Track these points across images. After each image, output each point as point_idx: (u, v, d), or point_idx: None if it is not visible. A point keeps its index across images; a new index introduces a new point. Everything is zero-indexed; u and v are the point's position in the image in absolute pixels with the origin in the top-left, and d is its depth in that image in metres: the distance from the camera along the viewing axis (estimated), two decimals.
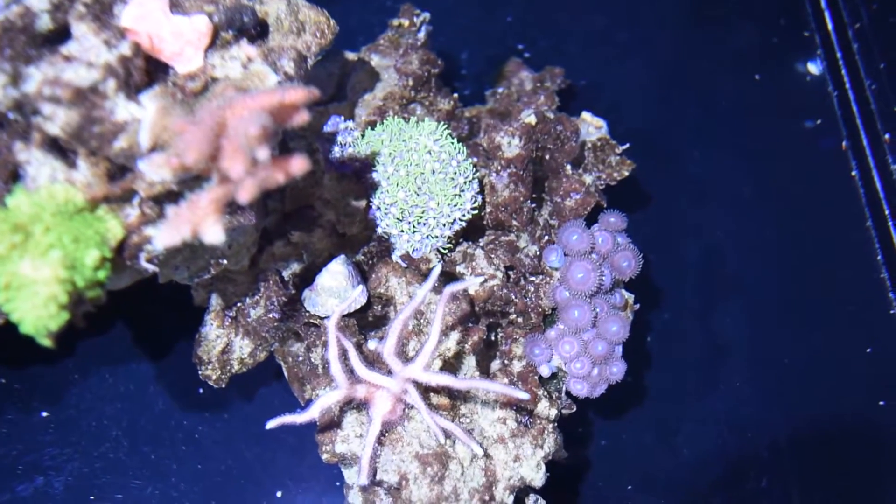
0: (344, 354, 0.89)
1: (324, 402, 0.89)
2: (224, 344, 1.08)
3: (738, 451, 1.25)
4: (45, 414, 1.27)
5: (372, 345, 0.95)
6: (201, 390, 1.28)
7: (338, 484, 1.12)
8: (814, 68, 1.48)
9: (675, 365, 1.29)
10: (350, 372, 0.90)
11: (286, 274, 1.05)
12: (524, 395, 0.85)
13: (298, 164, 0.69)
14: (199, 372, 1.10)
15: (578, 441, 1.24)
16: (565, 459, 1.10)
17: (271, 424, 0.91)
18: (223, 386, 1.11)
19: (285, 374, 1.11)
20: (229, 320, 1.08)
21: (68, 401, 1.28)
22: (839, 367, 1.28)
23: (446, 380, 0.86)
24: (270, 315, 1.04)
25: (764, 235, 1.37)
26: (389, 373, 0.90)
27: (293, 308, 1.04)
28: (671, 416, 1.27)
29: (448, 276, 0.98)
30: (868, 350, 1.28)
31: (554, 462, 1.05)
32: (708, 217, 1.38)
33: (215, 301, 1.08)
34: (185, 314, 1.13)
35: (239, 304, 1.07)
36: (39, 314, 0.71)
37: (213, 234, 0.69)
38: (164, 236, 0.70)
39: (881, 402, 1.25)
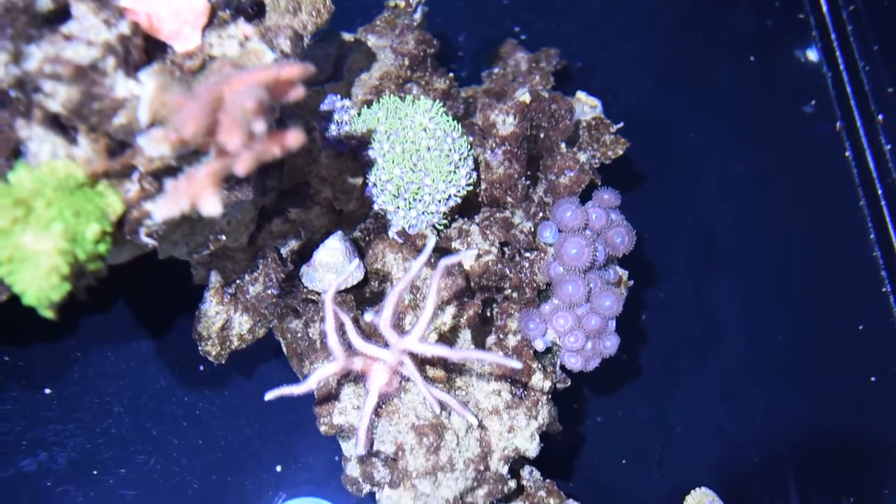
0: (341, 327, 0.91)
1: (321, 373, 0.90)
2: (223, 320, 1.09)
3: (731, 428, 1.26)
4: (47, 391, 1.28)
5: (368, 317, 0.96)
6: (202, 367, 1.30)
7: (336, 459, 1.13)
8: (809, 52, 1.49)
9: (670, 342, 1.31)
10: (347, 344, 0.91)
11: (284, 251, 1.06)
12: (517, 365, 0.86)
13: (294, 137, 0.71)
14: (199, 348, 1.12)
15: (573, 416, 1.25)
16: (560, 433, 1.11)
17: (269, 396, 0.93)
18: (223, 362, 1.12)
19: (284, 350, 1.12)
20: (228, 297, 1.09)
21: (70, 378, 1.29)
22: (832, 344, 1.30)
23: (441, 350, 0.88)
24: (269, 292, 1.05)
25: (758, 215, 1.38)
26: (386, 346, 0.92)
27: (291, 284, 1.06)
28: (665, 392, 1.29)
29: (443, 252, 1.00)
30: (860, 327, 1.30)
31: (548, 435, 1.07)
32: (702, 197, 1.39)
33: (214, 278, 1.10)
34: (185, 293, 1.15)
35: (238, 282, 1.08)
36: (41, 285, 0.72)
37: (211, 206, 0.71)
38: (163, 209, 0.71)
39: (873, 378, 1.27)
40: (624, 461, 1.24)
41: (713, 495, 1.15)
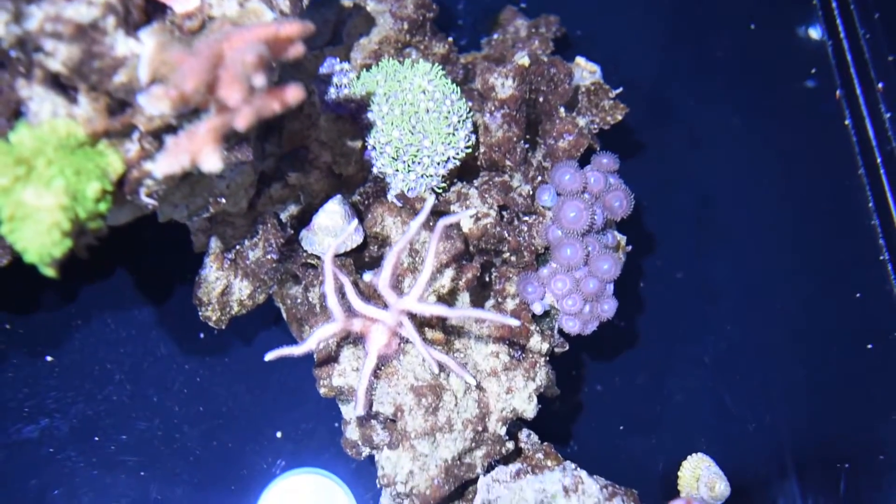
0: (340, 289, 0.91)
1: (320, 333, 0.91)
2: (223, 286, 1.10)
3: (728, 395, 1.27)
4: (49, 358, 1.29)
5: (367, 277, 0.97)
6: (202, 335, 1.30)
7: (336, 425, 1.14)
8: (810, 20, 1.49)
9: (668, 310, 1.32)
10: (346, 306, 0.92)
11: (284, 216, 1.06)
12: (515, 323, 0.87)
13: (294, 93, 0.71)
14: (200, 313, 1.12)
15: (571, 383, 1.26)
16: (557, 397, 1.12)
17: (270, 356, 0.93)
18: (223, 327, 1.13)
19: (284, 315, 1.13)
20: (228, 263, 1.10)
21: (72, 346, 1.30)
22: (829, 311, 1.30)
23: (440, 310, 0.88)
24: (269, 257, 1.06)
25: (757, 183, 1.38)
26: (385, 307, 0.92)
27: (291, 249, 1.06)
28: (663, 359, 1.29)
29: (442, 215, 1.00)
30: (857, 295, 1.31)
31: (546, 399, 1.08)
32: (701, 165, 1.39)
33: (214, 244, 1.10)
34: (186, 261, 1.15)
35: (238, 247, 1.09)
36: (43, 241, 0.73)
37: (211, 162, 0.71)
38: (164, 164, 0.72)
39: (869, 346, 1.28)
40: (621, 427, 1.25)
41: (709, 460, 1.16)
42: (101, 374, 1.29)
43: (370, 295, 0.96)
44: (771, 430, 1.25)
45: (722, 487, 1.11)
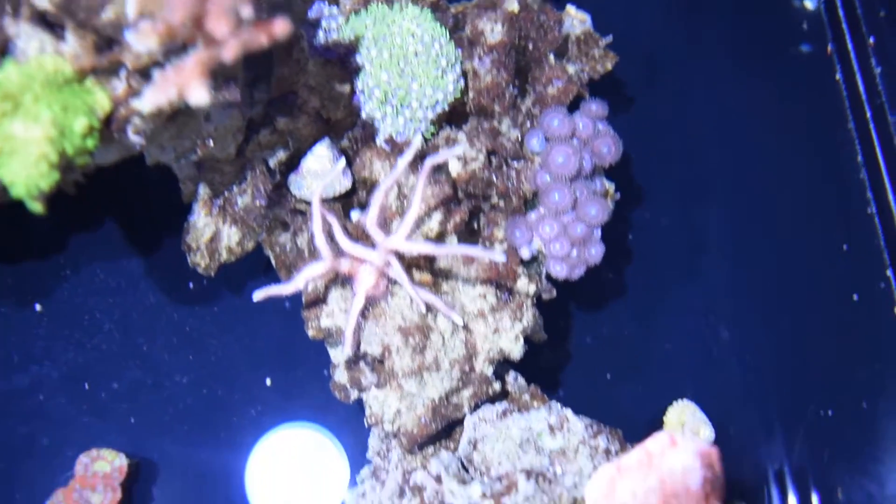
0: (328, 230, 0.92)
1: (308, 272, 0.91)
2: (212, 232, 1.10)
3: (715, 343, 1.28)
4: (38, 308, 1.29)
5: (355, 216, 0.97)
6: (191, 285, 1.31)
7: (325, 373, 1.15)
8: None
9: (656, 260, 1.32)
10: (334, 246, 0.92)
11: (272, 162, 1.06)
12: (500, 257, 0.87)
13: (281, 26, 0.71)
14: (188, 259, 1.12)
15: (559, 333, 1.27)
16: (545, 346, 1.13)
17: (258, 295, 0.94)
18: (212, 274, 1.13)
19: (273, 263, 1.13)
20: (217, 209, 1.10)
21: (61, 295, 1.30)
22: (816, 263, 1.31)
23: (427, 247, 0.89)
24: (257, 203, 1.06)
25: (746, 136, 1.38)
26: (373, 247, 0.93)
27: (279, 194, 1.06)
28: (651, 309, 1.30)
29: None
30: (845, 247, 1.31)
31: (533, 346, 1.09)
32: (691, 118, 1.39)
33: (203, 191, 1.10)
34: (175, 213, 1.15)
35: (226, 194, 1.09)
36: (30, 173, 0.73)
37: (199, 95, 0.71)
38: (151, 97, 0.72)
39: (855, 297, 1.29)
40: (609, 376, 1.26)
41: (694, 406, 1.17)
42: (90, 324, 1.29)
43: (358, 236, 0.96)
44: (757, 378, 1.26)
45: (706, 433, 1.12)
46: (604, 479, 0.80)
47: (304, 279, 0.92)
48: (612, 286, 1.30)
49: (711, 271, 1.32)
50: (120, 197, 1.33)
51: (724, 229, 1.33)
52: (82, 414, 1.25)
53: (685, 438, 0.79)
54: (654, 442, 0.80)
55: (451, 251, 0.90)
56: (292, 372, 1.26)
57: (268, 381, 1.26)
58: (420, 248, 0.89)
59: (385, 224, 0.95)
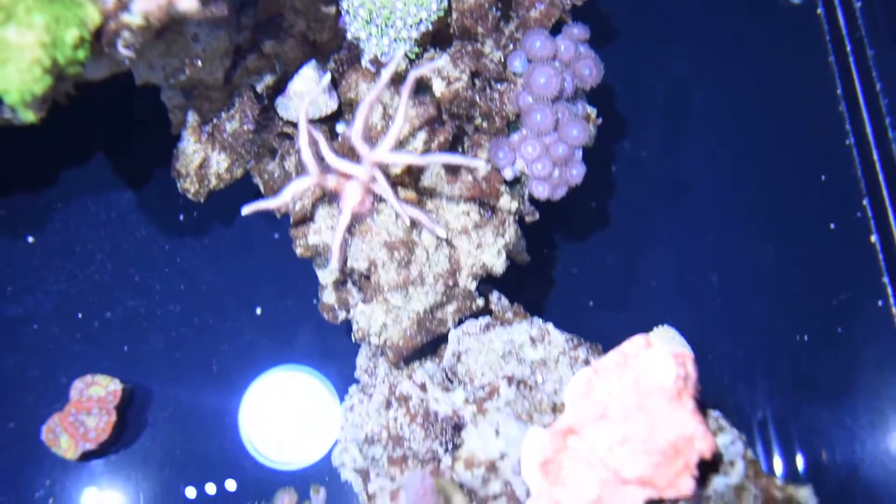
0: (315, 147, 0.93)
1: (295, 186, 0.93)
2: (201, 158, 1.12)
3: (695, 274, 1.31)
4: (30, 239, 1.31)
5: (340, 128, 0.99)
6: (182, 216, 1.33)
7: (315, 302, 1.17)
8: None
9: (638, 192, 1.34)
10: (321, 161, 0.94)
11: (259, 87, 1.08)
12: (480, 163, 0.89)
13: None
14: (178, 185, 1.14)
15: (542, 262, 1.30)
16: (529, 270, 1.16)
17: (247, 210, 0.96)
18: (201, 200, 1.15)
19: (262, 190, 1.15)
20: (206, 136, 1.12)
21: (53, 227, 1.32)
22: (795, 193, 1.33)
23: (410, 157, 0.91)
24: (245, 127, 1.08)
25: (728, 71, 1.40)
26: (358, 162, 0.94)
27: (267, 118, 1.08)
28: (633, 240, 1.32)
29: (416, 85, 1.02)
30: (823, 178, 1.34)
31: (517, 268, 1.11)
32: (675, 55, 1.40)
33: (192, 117, 1.12)
34: (164, 146, 1.16)
35: (215, 121, 1.10)
36: (24, 78, 0.74)
37: (187, 2, 0.73)
38: (142, 3, 0.73)
39: (832, 226, 1.31)
40: (591, 303, 1.28)
41: (674, 332, 1.19)
42: (82, 255, 1.31)
43: (344, 153, 0.98)
44: (737, 307, 1.29)
45: None
46: (582, 380, 0.83)
47: (292, 193, 0.93)
48: (595, 217, 1.33)
49: (693, 203, 1.34)
50: (110, 131, 1.35)
51: (704, 160, 1.36)
52: (76, 343, 1.27)
53: (660, 341, 0.82)
54: (630, 344, 0.83)
55: (433, 159, 0.91)
56: (281, 300, 1.29)
57: (258, 310, 1.29)
58: (404, 158, 0.91)
59: (370, 141, 0.96)
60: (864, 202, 1.32)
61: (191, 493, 1.22)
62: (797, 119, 1.37)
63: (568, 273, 1.30)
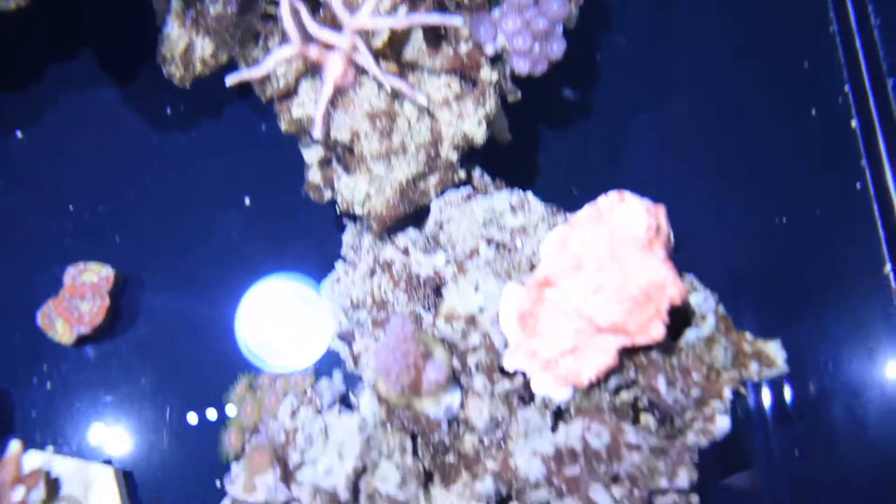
0: (297, 15, 0.94)
1: (277, 55, 0.94)
2: (186, 43, 1.13)
3: (678, 166, 1.32)
4: (19, 135, 1.33)
5: None
6: (169, 110, 1.34)
7: (303, 194, 1.19)
8: None
9: (622, 85, 1.34)
10: (303, 30, 0.94)
11: None
12: (457, 20, 0.90)
13: None
14: (164, 70, 1.15)
15: (526, 147, 1.31)
16: (511, 159, 1.17)
17: (230, 79, 0.97)
18: (187, 86, 1.16)
19: None
20: (190, 21, 1.12)
21: (41, 123, 1.34)
22: (777, 81, 1.34)
23: (390, 20, 0.91)
24: (229, 10, 1.08)
25: None
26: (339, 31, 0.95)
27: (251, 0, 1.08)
28: (616, 131, 1.33)
29: None
30: (805, 64, 1.34)
31: (500, 155, 1.13)
32: None
33: (175, 2, 1.13)
34: (148, 41, 1.17)
35: (198, 6, 1.11)
36: None
37: None
38: None
39: (813, 112, 1.33)
40: (574, 191, 1.30)
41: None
42: (71, 150, 1.33)
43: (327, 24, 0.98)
44: (718, 191, 1.31)
45: None
46: (558, 233, 0.86)
47: (274, 61, 0.95)
48: (578, 106, 1.33)
49: (676, 93, 1.35)
50: (94, 28, 1.36)
51: (688, 49, 1.36)
52: (68, 234, 1.30)
53: (633, 195, 0.84)
54: (605, 199, 0.85)
55: (412, 20, 0.91)
56: (269, 191, 1.31)
57: (247, 201, 1.31)
58: (384, 22, 0.92)
59: (351, 9, 0.97)
60: (846, 88, 1.33)
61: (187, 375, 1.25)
62: (781, 7, 1.37)
63: (550, 159, 1.32)
